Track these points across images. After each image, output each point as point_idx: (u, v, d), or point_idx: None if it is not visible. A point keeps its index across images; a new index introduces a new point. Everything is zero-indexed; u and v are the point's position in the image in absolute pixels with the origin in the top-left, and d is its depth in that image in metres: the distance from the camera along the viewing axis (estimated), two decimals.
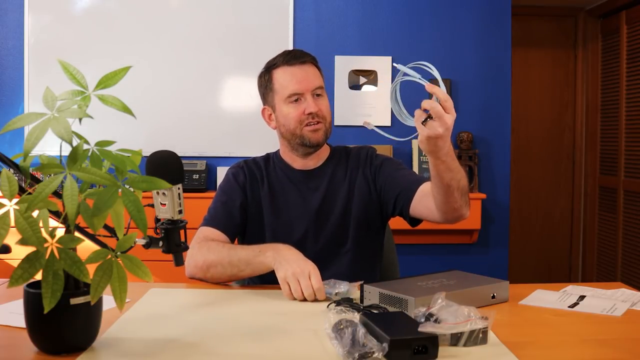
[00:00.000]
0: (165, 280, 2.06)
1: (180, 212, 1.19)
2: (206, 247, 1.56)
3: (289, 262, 1.41)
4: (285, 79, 1.66)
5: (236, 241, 1.78)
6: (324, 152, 1.76)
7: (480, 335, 1.05)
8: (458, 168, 1.42)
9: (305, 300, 1.37)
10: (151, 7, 3.40)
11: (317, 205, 1.69)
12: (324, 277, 1.62)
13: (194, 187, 3.27)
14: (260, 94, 1.74)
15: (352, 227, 1.69)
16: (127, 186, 0.95)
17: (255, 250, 1.49)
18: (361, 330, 0.99)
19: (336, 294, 1.37)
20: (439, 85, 1.22)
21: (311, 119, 1.64)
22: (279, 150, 1.79)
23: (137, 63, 3.22)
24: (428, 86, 1.21)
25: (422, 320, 1.06)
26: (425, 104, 1.23)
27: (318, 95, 1.67)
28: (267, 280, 1.69)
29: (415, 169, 3.37)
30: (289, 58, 1.66)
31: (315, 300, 1.36)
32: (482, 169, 3.51)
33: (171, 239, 1.20)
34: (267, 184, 1.72)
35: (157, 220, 1.21)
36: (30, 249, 0.89)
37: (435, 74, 1.24)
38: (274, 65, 1.68)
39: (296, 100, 1.65)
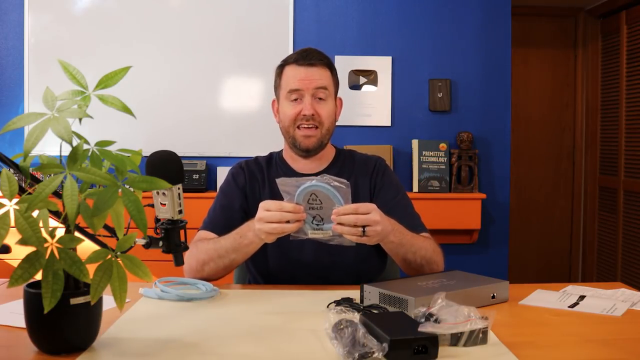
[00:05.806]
0: None
1: (180, 212, 1.19)
2: (195, 248, 1.57)
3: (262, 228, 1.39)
4: (290, 75, 1.67)
5: None
6: (328, 154, 1.76)
7: (480, 335, 1.05)
8: (411, 242, 1.51)
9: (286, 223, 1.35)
10: (151, 7, 3.40)
11: None
12: (331, 277, 1.62)
13: (194, 187, 3.27)
14: (273, 86, 1.75)
15: None
16: (127, 186, 0.95)
17: (236, 238, 1.50)
18: (361, 330, 0.99)
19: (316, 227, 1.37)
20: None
21: (305, 122, 1.64)
22: (282, 150, 1.80)
23: (137, 63, 3.22)
24: (336, 215, 1.33)
25: (422, 320, 1.06)
26: (355, 220, 1.32)
27: (320, 99, 1.66)
28: (267, 280, 1.69)
29: (416, 168, 3.37)
30: (299, 57, 1.67)
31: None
32: (482, 169, 3.51)
33: (171, 239, 1.20)
34: (268, 186, 1.71)
35: (157, 220, 1.21)
36: (30, 249, 0.89)
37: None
38: (287, 61, 1.70)
39: (295, 100, 1.66)
